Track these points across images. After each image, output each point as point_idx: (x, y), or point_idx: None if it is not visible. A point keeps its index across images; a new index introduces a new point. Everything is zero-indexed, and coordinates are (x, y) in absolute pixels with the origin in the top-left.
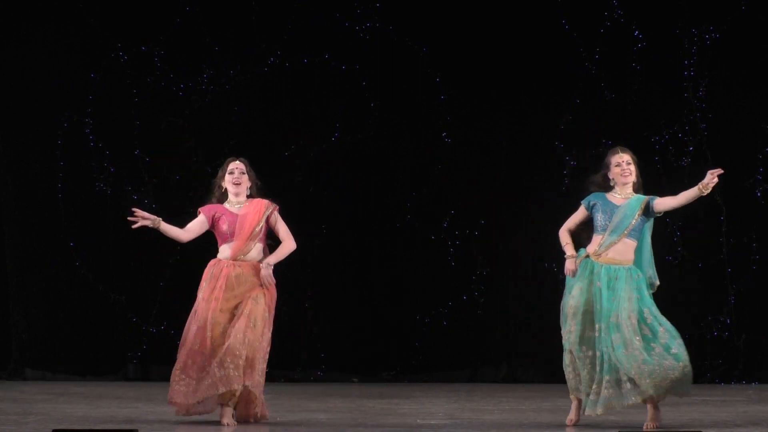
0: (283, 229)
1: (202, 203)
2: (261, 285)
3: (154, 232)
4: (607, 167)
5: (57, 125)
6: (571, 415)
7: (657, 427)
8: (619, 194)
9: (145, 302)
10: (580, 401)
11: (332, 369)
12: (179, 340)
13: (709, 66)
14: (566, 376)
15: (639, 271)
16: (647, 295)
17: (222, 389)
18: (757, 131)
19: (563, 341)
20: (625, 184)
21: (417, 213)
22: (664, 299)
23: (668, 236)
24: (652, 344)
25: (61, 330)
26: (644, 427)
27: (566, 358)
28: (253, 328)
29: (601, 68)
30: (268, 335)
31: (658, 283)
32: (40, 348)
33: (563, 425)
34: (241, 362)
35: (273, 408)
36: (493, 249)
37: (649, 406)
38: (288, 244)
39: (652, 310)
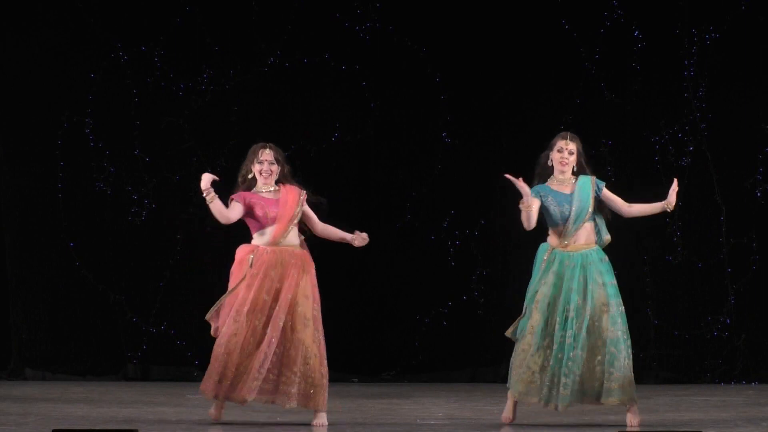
0: (310, 211)
1: (201, 203)
2: (301, 271)
3: (153, 231)
4: (551, 148)
5: (57, 125)
6: (507, 413)
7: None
8: (561, 181)
9: (145, 302)
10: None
11: (332, 369)
12: (179, 340)
13: (709, 66)
14: (516, 370)
15: (603, 253)
16: (614, 281)
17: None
18: (757, 131)
19: (517, 331)
20: (562, 172)
21: (417, 213)
22: (664, 299)
23: (668, 236)
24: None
25: (61, 330)
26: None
27: (522, 350)
28: (309, 331)
29: (601, 68)
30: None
31: (608, 237)
32: (40, 348)
33: (562, 425)
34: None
35: (273, 408)
36: (493, 249)
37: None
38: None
39: (616, 301)
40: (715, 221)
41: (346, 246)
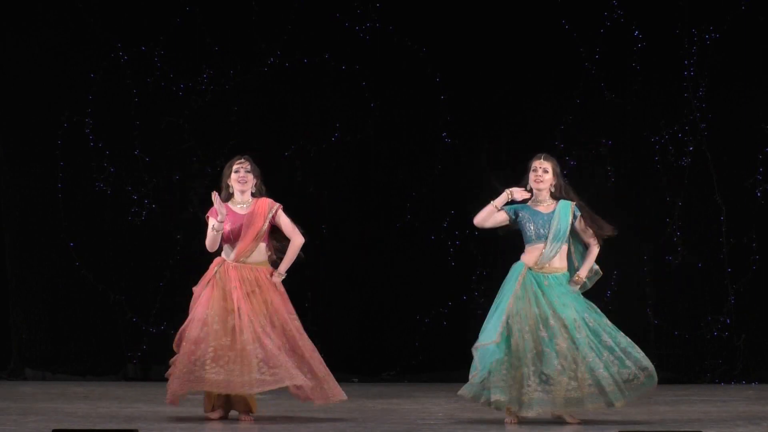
0: (287, 226)
1: (201, 203)
2: (257, 288)
3: (153, 231)
4: (527, 170)
5: (57, 125)
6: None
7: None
8: (540, 202)
9: (145, 302)
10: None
11: (332, 369)
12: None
13: (709, 66)
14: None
15: (567, 276)
16: (581, 300)
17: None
18: (757, 131)
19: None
20: (538, 190)
21: (417, 213)
22: (664, 299)
23: (668, 236)
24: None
25: (61, 330)
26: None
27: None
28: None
29: (601, 68)
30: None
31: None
32: (40, 348)
33: (562, 424)
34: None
35: (274, 408)
36: (493, 249)
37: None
38: (295, 241)
39: (589, 315)
40: (715, 221)
41: (346, 247)
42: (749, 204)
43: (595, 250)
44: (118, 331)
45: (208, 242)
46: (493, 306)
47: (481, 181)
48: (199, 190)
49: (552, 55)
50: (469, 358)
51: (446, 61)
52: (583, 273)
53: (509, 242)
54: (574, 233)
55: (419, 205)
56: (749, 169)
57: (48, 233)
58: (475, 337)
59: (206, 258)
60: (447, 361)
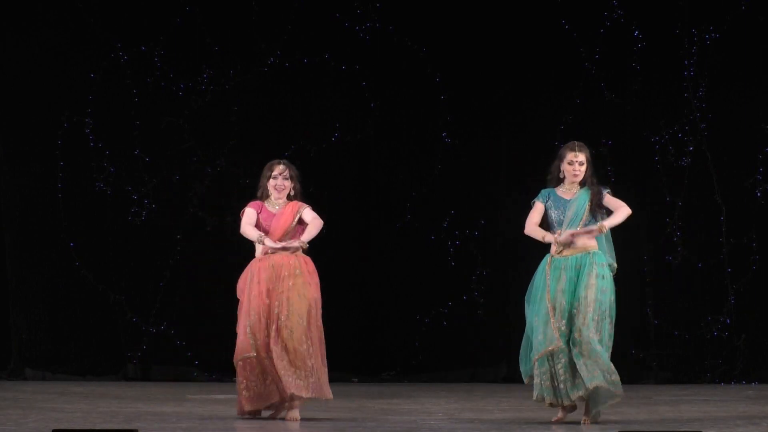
0: (310, 214)
1: (201, 203)
2: (293, 275)
3: (153, 231)
4: (561, 159)
5: (57, 125)
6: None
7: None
8: (568, 188)
9: (145, 302)
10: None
11: (332, 369)
12: (179, 340)
13: (709, 66)
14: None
15: (603, 256)
16: (608, 286)
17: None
18: (757, 131)
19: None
20: (573, 182)
21: (417, 213)
22: (664, 299)
23: (668, 236)
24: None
25: (61, 330)
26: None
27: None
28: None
29: (601, 68)
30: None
31: (615, 265)
32: (40, 348)
33: (562, 423)
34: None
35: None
36: (493, 249)
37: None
38: (314, 223)
39: (602, 307)
40: (715, 221)
41: (346, 247)
42: (749, 204)
43: (624, 210)
44: (118, 331)
45: (244, 231)
46: (530, 305)
47: (482, 180)
48: (199, 190)
49: (552, 55)
50: (469, 358)
51: (446, 61)
52: (607, 223)
53: (509, 242)
54: (601, 210)
55: (419, 205)
56: (749, 169)
57: (48, 233)
58: (476, 337)
59: (205, 258)
60: (447, 361)
